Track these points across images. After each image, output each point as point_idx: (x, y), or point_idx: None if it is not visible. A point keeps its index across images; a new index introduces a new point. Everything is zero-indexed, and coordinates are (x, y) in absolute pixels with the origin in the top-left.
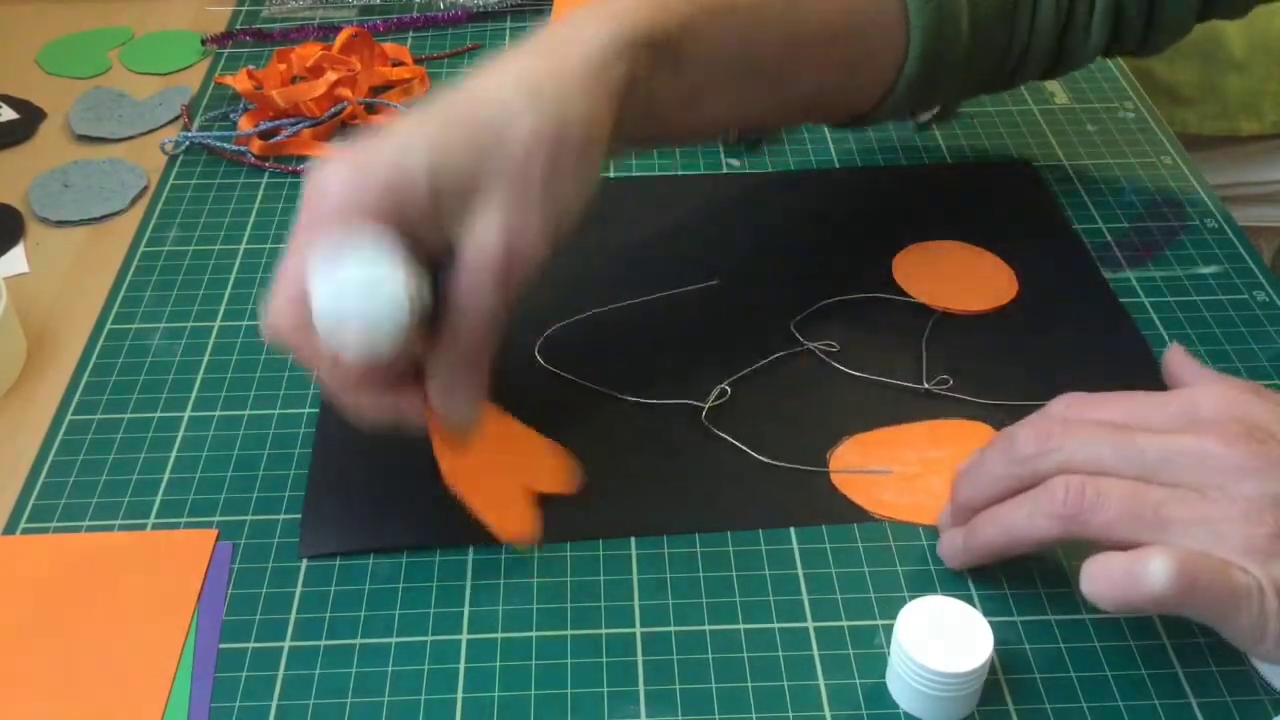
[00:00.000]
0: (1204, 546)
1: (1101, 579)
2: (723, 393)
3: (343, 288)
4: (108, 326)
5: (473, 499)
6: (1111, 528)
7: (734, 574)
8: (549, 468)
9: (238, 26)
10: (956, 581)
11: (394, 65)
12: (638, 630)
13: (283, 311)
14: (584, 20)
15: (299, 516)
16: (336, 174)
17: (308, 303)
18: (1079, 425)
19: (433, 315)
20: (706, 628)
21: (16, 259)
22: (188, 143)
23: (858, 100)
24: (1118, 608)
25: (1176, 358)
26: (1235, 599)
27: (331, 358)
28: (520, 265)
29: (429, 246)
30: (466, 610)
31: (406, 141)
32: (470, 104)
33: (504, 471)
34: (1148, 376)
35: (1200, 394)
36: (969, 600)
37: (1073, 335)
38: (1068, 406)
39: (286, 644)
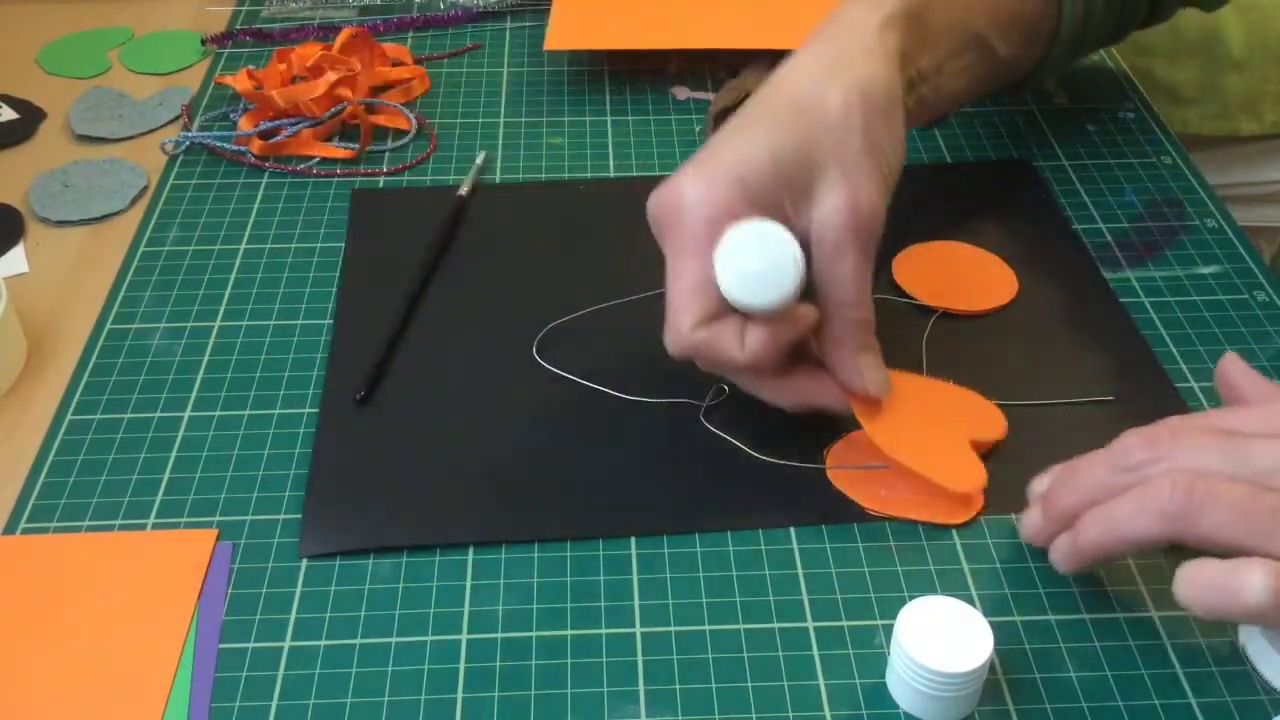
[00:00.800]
0: None
1: (1195, 585)
2: (720, 391)
3: (743, 246)
4: (108, 326)
5: (914, 461)
6: (1222, 529)
7: (734, 574)
8: (979, 416)
9: (238, 26)
10: (956, 581)
11: (394, 65)
12: (638, 630)
13: (685, 318)
14: (852, 7)
15: (299, 516)
16: (687, 184)
17: (706, 302)
18: (1187, 433)
19: (805, 296)
20: (706, 628)
21: (16, 259)
22: (188, 143)
23: (1026, 60)
24: (1209, 615)
25: (1233, 367)
26: None
27: (738, 344)
28: (869, 223)
29: None
30: (466, 610)
31: (742, 142)
32: (782, 94)
33: (937, 427)
34: (1147, 377)
35: None
36: (969, 600)
37: (1073, 335)
38: (1170, 422)
39: (286, 644)
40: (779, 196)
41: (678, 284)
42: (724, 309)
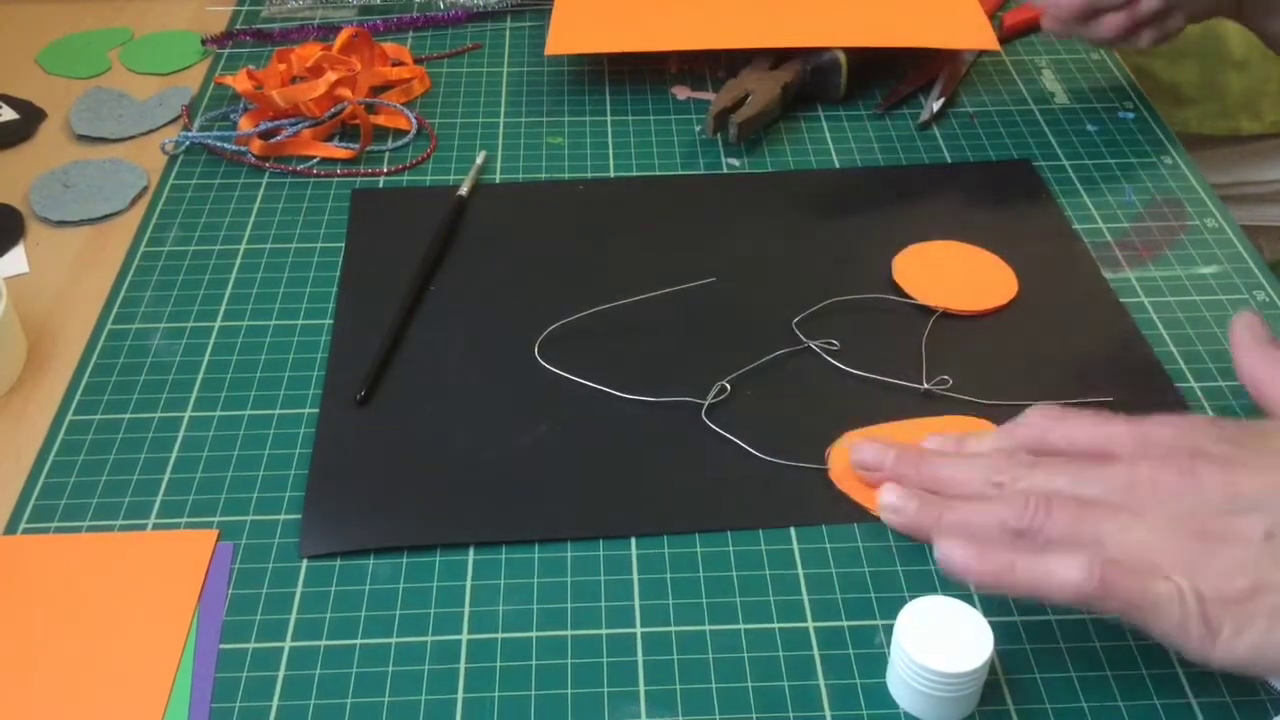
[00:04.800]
0: (1136, 559)
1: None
2: (722, 390)
3: None
4: (108, 326)
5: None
6: (1054, 541)
7: (734, 574)
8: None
9: (238, 26)
10: (956, 581)
11: (394, 65)
12: (638, 630)
13: None
14: None
15: (299, 516)
16: None
17: None
18: (1047, 462)
19: None
20: (706, 628)
21: (16, 259)
22: (188, 143)
23: None
24: (1034, 597)
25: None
26: (1154, 604)
27: None
28: None
29: None
30: (467, 610)
31: None
32: None
33: None
34: (1147, 377)
35: (1154, 426)
36: (969, 600)
37: (1073, 335)
38: (1043, 417)
39: (287, 644)
40: None
41: None
42: None
